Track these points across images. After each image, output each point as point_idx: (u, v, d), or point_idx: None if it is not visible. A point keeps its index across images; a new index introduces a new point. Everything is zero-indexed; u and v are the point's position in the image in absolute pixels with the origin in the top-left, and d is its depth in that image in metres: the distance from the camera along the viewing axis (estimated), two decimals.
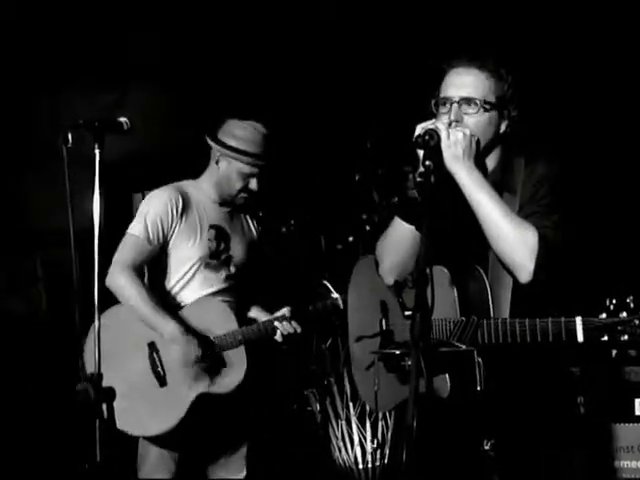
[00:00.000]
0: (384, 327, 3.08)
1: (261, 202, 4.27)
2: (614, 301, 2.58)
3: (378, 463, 5.38)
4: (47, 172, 3.17)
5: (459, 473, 3.02)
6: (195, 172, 4.19)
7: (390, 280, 3.04)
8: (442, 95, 2.93)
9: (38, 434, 4.85)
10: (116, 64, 5.29)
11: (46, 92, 5.23)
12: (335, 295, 4.11)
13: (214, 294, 4.04)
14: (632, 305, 2.55)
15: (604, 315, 2.59)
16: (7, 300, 5.24)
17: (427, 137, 2.76)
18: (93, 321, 3.84)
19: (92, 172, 3.10)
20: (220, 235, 4.08)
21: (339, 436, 5.46)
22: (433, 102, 2.95)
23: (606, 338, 2.58)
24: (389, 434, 5.38)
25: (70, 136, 3.10)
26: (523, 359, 2.83)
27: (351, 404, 5.42)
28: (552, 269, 2.79)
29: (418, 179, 2.66)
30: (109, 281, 3.87)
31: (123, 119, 3.28)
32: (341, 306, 4.05)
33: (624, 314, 2.56)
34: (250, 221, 4.28)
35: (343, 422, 5.45)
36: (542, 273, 2.77)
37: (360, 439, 5.43)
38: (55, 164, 3.06)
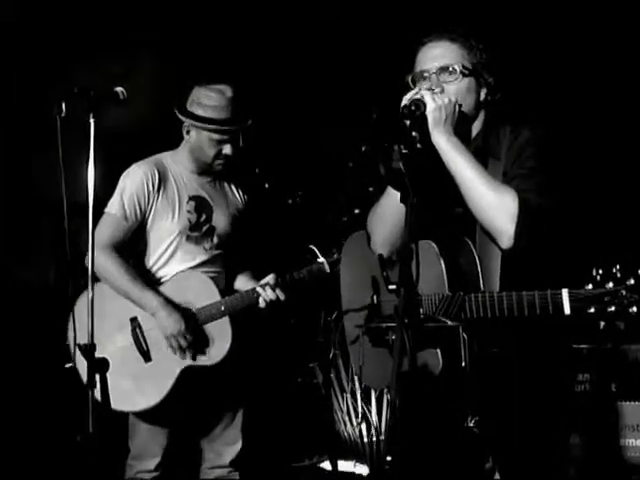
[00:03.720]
0: (374, 303, 3.05)
1: (245, 169, 4.17)
2: (600, 271, 2.52)
3: (383, 437, 5.36)
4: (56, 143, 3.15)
5: (443, 449, 2.99)
6: None
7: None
8: (419, 69, 2.93)
9: (33, 405, 4.87)
10: (121, 35, 5.26)
11: (52, 62, 5.20)
12: (321, 259, 4.00)
13: (198, 266, 3.99)
14: (619, 275, 2.50)
15: (590, 286, 2.54)
16: (16, 271, 5.26)
17: (413, 107, 2.75)
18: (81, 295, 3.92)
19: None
20: (200, 206, 4.02)
21: (344, 409, 5.46)
22: (410, 78, 2.95)
23: (593, 310, 2.53)
24: None
25: (64, 106, 3.09)
26: (515, 335, 2.78)
27: (356, 377, 5.39)
28: (535, 234, 2.73)
29: (403, 150, 2.62)
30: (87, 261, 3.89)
31: (119, 89, 3.25)
32: (327, 270, 3.98)
33: (610, 284, 2.50)
34: (235, 189, 4.19)
35: (348, 395, 5.44)
36: (524, 238, 2.71)
37: (365, 413, 5.42)
38: (65, 135, 3.05)
